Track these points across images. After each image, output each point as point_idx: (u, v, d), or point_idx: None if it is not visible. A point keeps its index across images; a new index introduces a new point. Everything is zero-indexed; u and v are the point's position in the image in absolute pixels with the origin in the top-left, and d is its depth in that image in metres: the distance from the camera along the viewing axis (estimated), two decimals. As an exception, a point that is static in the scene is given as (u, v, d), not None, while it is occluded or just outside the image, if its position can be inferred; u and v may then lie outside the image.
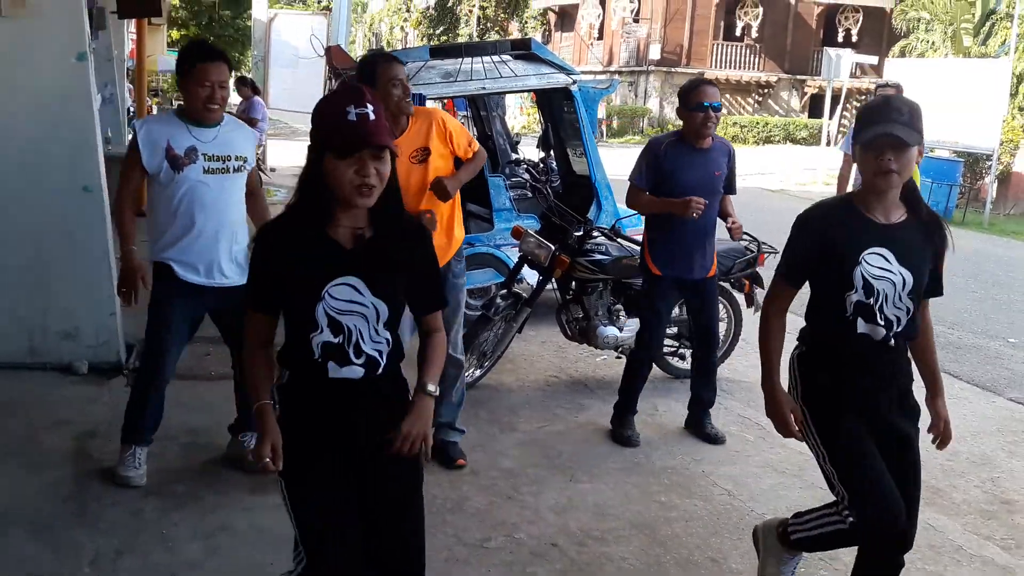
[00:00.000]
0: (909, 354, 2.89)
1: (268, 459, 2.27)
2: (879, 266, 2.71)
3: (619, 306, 5.59)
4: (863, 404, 2.80)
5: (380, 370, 2.36)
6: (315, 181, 2.29)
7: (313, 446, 2.36)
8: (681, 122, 4.67)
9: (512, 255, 6.72)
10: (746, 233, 5.90)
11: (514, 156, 8.85)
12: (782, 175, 22.06)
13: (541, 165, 7.71)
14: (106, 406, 4.76)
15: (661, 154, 4.63)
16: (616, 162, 7.19)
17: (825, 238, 2.75)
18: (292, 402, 2.40)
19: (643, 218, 4.93)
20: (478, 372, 5.56)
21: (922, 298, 2.82)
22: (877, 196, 2.74)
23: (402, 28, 50.38)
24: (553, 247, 5.28)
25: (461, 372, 4.41)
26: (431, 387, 2.42)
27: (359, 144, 2.22)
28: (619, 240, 5.42)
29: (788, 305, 2.93)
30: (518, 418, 5.13)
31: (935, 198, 14.80)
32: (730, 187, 4.80)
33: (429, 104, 6.27)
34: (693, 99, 4.53)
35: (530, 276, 6.19)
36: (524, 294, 5.51)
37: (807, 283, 2.91)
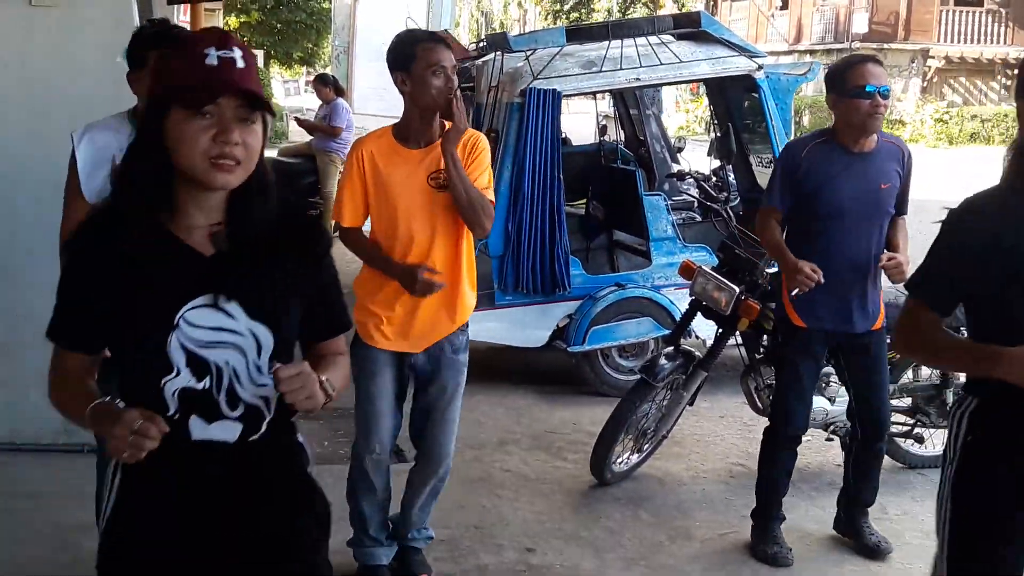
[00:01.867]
0: None
1: (139, 427, 1.98)
2: None
3: (828, 368, 5.42)
4: None
5: (264, 427, 2.23)
6: (151, 154, 2.12)
7: (157, 558, 2.20)
8: (834, 115, 4.49)
9: (678, 300, 6.67)
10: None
11: (675, 167, 8.82)
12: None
13: (714, 179, 7.62)
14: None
15: (802, 162, 4.46)
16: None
17: (1000, 240, 2.51)
18: (132, 484, 2.21)
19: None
20: (635, 457, 5.51)
21: None
22: None
23: (520, 5, 51.32)
24: (737, 289, 5.18)
25: (440, 476, 4.24)
26: (326, 379, 2.19)
27: (219, 88, 2.07)
28: (827, 278, 5.26)
29: (937, 332, 2.69)
30: (692, 522, 5.04)
31: None
32: (901, 204, 4.55)
33: (569, 104, 6.31)
34: (852, 81, 4.31)
35: (704, 328, 6.11)
36: (697, 353, 5.42)
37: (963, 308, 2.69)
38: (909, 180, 4.56)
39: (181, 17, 15.88)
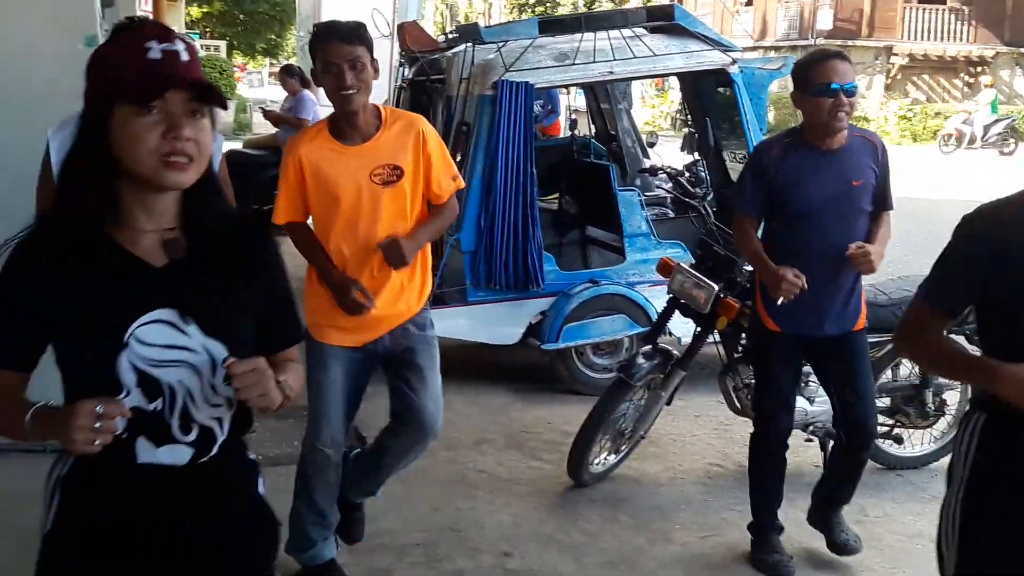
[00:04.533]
0: None
1: (105, 411, 1.88)
2: None
3: (808, 369, 5.35)
4: None
5: (217, 448, 2.13)
6: (93, 158, 2.01)
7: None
8: (801, 113, 4.35)
9: (652, 297, 6.59)
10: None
11: (647, 163, 8.74)
12: (1004, 185, 21.41)
13: (687, 174, 7.55)
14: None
15: (771, 164, 4.34)
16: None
17: (1010, 249, 2.48)
18: (75, 505, 2.13)
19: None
20: (613, 458, 5.43)
21: None
22: None
23: (485, -2, 51.18)
24: (716, 287, 5.10)
25: (422, 446, 4.18)
26: (283, 380, 2.12)
27: (167, 82, 1.96)
28: (808, 276, 5.19)
29: (941, 339, 2.67)
30: (671, 524, 4.96)
31: None
32: (883, 200, 4.41)
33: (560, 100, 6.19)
34: (815, 79, 4.18)
35: (679, 327, 6.03)
36: (675, 352, 5.34)
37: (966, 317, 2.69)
38: (887, 174, 4.42)
39: (143, 7, 15.69)
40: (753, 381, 5.41)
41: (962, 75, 36.33)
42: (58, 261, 2.00)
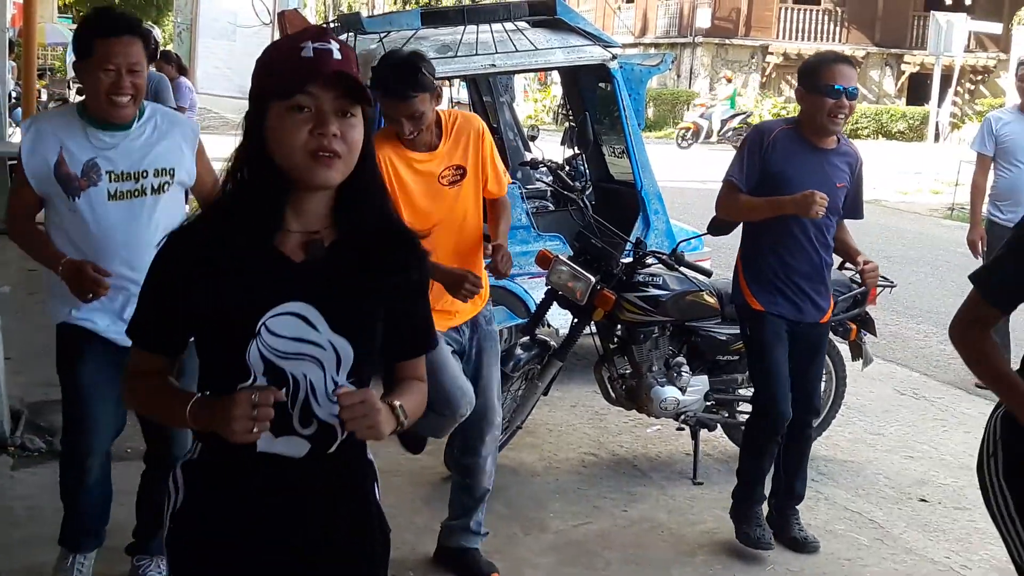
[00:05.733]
0: None
1: (260, 398, 1.98)
2: None
3: (681, 359, 5.48)
4: None
5: (336, 445, 2.18)
6: (256, 158, 2.09)
7: (225, 560, 2.18)
8: (799, 109, 4.58)
9: (532, 289, 6.63)
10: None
11: (529, 156, 8.79)
12: (874, 181, 22.03)
13: (567, 168, 7.62)
14: (-15, 497, 4.64)
15: (769, 146, 4.50)
16: (654, 164, 7.18)
17: None
18: (201, 490, 2.20)
19: (740, 233, 4.78)
20: (490, 449, 5.44)
21: None
22: None
23: (369, -13, 50.81)
24: (593, 279, 5.18)
25: (493, 449, 4.39)
26: (399, 405, 2.16)
27: (312, 73, 2.03)
28: (681, 269, 5.31)
29: (990, 332, 2.83)
30: (547, 513, 5.02)
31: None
32: (856, 209, 4.69)
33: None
34: (822, 79, 4.38)
35: (557, 318, 6.09)
36: (552, 343, 5.40)
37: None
38: (861, 185, 4.69)
39: (13, -12, 15.20)
40: (628, 371, 5.52)
41: (834, 75, 37.34)
42: (206, 253, 2.09)
